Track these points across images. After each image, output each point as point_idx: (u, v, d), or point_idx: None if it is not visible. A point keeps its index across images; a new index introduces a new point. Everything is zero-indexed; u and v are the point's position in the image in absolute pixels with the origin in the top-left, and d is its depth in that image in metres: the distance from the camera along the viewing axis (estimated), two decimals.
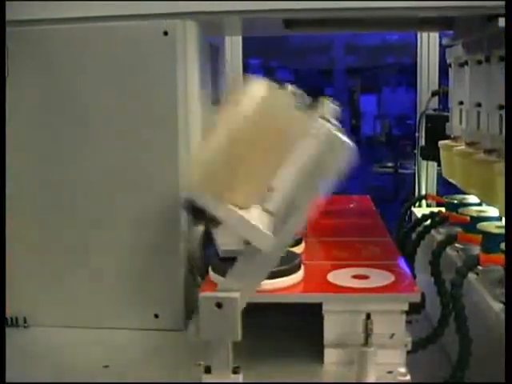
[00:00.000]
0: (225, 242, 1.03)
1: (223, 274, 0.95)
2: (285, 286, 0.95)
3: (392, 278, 0.98)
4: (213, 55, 1.31)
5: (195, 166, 0.79)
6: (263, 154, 0.76)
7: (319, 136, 0.79)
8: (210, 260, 1.03)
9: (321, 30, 1.34)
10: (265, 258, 0.81)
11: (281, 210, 0.79)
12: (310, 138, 0.79)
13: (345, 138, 0.78)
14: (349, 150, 0.79)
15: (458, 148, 1.43)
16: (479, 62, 1.24)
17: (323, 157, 0.78)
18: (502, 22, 0.97)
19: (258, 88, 0.76)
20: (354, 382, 0.88)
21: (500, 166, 1.08)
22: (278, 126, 0.76)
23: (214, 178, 0.76)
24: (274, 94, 0.76)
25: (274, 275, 0.94)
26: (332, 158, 0.78)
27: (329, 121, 0.79)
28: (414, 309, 0.93)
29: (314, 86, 5.46)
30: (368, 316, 0.87)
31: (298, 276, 0.98)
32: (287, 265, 0.96)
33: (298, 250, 1.10)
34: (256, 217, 0.78)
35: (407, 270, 1.04)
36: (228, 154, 0.75)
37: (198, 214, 0.79)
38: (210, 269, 1.00)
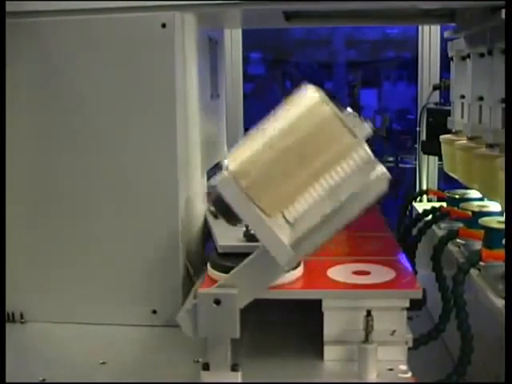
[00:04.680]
0: (224, 238, 1.02)
1: (222, 270, 0.94)
2: (284, 283, 0.94)
3: (393, 274, 0.97)
4: (212, 48, 1.30)
5: (235, 163, 0.77)
6: (301, 165, 0.75)
7: (359, 163, 0.77)
8: (208, 256, 1.02)
9: (321, 23, 1.33)
10: (274, 267, 0.80)
11: (304, 225, 0.78)
12: (349, 161, 0.77)
13: (384, 170, 0.77)
14: (385, 182, 0.78)
15: (460, 142, 1.42)
16: (481, 55, 1.22)
17: (359, 184, 0.77)
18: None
19: (309, 97, 0.75)
20: (355, 379, 0.87)
21: (501, 161, 1.07)
22: (320, 138, 0.74)
23: (250, 179, 0.75)
24: (324, 105, 0.75)
25: None
26: (368, 188, 0.77)
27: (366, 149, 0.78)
28: (415, 305, 0.92)
29: (314, 80, 5.44)
30: (368, 312, 0.86)
31: (298, 272, 0.97)
32: None
33: None
34: (279, 228, 0.76)
35: (408, 265, 1.03)
36: (270, 159, 0.74)
37: (223, 209, 0.77)
38: (208, 265, 0.99)
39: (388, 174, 0.78)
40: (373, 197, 0.78)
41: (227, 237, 1.02)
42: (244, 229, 1.00)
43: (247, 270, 0.82)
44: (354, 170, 0.77)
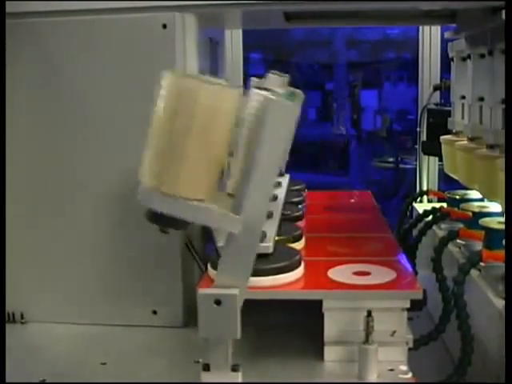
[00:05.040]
0: (224, 238, 1.02)
1: None
2: (285, 283, 0.94)
3: (393, 275, 0.97)
4: (212, 49, 1.30)
5: (143, 174, 0.78)
6: (198, 141, 0.74)
7: (254, 105, 0.76)
8: (209, 256, 1.02)
9: (321, 23, 1.33)
10: (245, 242, 0.79)
11: (239, 188, 0.78)
12: (247, 110, 0.77)
13: (277, 98, 0.75)
14: (284, 109, 0.76)
15: (460, 143, 1.42)
16: (482, 56, 1.22)
17: (263, 124, 0.75)
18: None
19: (168, 79, 0.76)
20: (355, 379, 0.87)
21: (502, 162, 1.07)
22: (199, 109, 0.74)
23: (163, 179, 0.75)
24: (189, 79, 0.75)
25: (273, 272, 0.93)
26: (272, 123, 0.75)
27: (266, 90, 0.77)
28: (416, 305, 0.92)
29: (314, 81, 5.44)
30: (369, 313, 0.86)
31: (299, 273, 0.97)
32: (287, 261, 0.95)
33: (298, 246, 1.09)
34: (223, 206, 0.77)
35: (409, 266, 1.03)
36: (164, 151, 0.75)
37: (162, 220, 0.78)
38: (208, 265, 0.99)
39: (283, 101, 0.76)
40: (284, 126, 0.76)
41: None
42: None
43: (227, 259, 0.81)
44: (255, 115, 0.76)
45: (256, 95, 0.77)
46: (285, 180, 1.50)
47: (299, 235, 1.12)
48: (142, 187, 0.77)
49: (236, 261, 0.81)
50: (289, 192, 1.39)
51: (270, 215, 1.13)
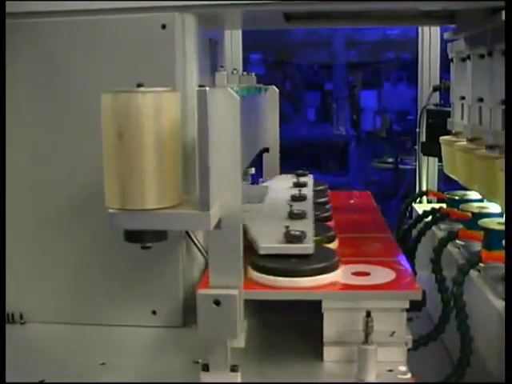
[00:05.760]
0: (264, 238, 1.01)
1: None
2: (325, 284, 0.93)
3: (393, 276, 0.97)
4: (212, 50, 1.30)
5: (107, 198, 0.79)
6: (152, 150, 0.76)
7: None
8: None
9: (321, 24, 1.33)
10: (225, 239, 0.80)
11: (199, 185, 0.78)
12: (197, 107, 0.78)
13: (207, 88, 0.76)
14: (219, 97, 0.78)
15: (460, 144, 1.42)
16: (481, 57, 1.22)
17: (198, 114, 0.77)
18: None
19: (106, 98, 0.77)
20: (354, 380, 0.87)
21: (501, 162, 1.07)
22: (145, 119, 0.75)
23: (127, 197, 0.77)
24: (125, 95, 0.76)
25: (314, 273, 0.93)
26: (203, 111, 0.76)
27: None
28: (415, 306, 0.92)
29: (314, 81, 5.44)
30: (368, 314, 0.86)
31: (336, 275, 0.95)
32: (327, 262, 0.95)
33: (332, 246, 1.09)
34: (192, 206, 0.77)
35: (408, 266, 1.03)
36: (122, 169, 0.76)
37: (139, 237, 0.80)
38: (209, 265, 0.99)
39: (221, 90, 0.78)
40: (219, 112, 0.78)
41: (268, 238, 1.00)
42: (284, 230, 0.99)
43: (214, 258, 0.82)
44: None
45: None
46: (310, 180, 1.49)
47: (333, 236, 1.11)
48: (109, 212, 0.78)
49: (222, 259, 0.81)
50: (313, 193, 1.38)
51: (303, 215, 1.11)
